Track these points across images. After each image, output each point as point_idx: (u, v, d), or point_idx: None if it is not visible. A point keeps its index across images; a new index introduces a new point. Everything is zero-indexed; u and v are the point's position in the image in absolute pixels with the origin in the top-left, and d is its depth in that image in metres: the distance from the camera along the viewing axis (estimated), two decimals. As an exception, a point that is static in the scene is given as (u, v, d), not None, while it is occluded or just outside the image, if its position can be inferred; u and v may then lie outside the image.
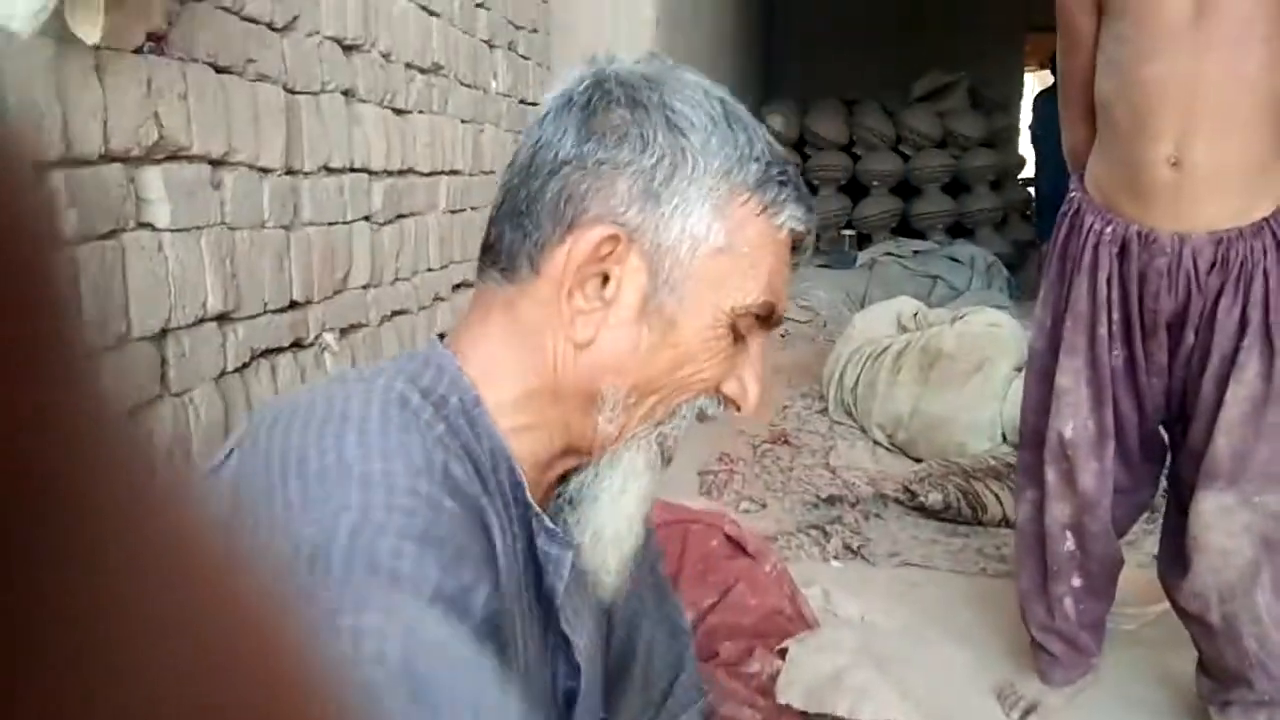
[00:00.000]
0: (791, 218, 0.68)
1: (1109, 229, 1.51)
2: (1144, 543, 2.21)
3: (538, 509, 0.66)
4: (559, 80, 0.69)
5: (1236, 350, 1.45)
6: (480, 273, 0.70)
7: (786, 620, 1.77)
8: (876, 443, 3.07)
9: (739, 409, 0.71)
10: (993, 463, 2.60)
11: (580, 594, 0.74)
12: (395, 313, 1.94)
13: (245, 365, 1.42)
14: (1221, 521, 1.48)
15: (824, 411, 3.35)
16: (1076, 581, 1.66)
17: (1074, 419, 1.57)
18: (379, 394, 0.61)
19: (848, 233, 6.40)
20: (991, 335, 3.02)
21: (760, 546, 1.90)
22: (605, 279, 0.65)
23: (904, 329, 3.29)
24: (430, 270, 2.13)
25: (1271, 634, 1.49)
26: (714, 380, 0.69)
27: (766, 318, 0.69)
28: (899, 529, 2.45)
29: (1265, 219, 1.44)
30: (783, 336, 4.54)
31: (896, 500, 2.57)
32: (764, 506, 2.58)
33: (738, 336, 0.68)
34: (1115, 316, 1.53)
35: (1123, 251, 1.50)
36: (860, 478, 2.77)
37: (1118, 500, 1.63)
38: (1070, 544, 1.64)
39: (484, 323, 0.69)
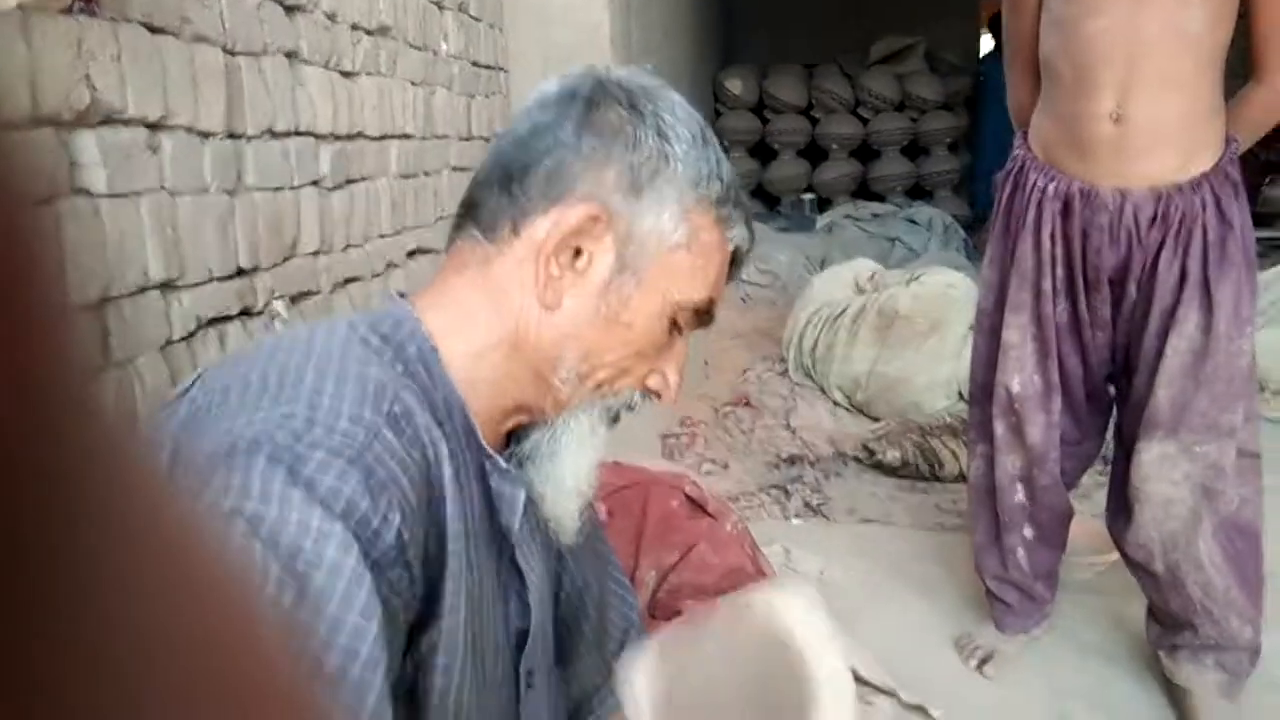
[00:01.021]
0: (739, 235, 0.77)
1: (1052, 185, 1.52)
2: (1097, 495, 2.25)
3: (490, 450, 0.72)
4: (556, 76, 0.77)
5: (1176, 304, 1.48)
6: (458, 229, 0.77)
7: (748, 578, 1.78)
8: (836, 403, 3.09)
9: (660, 398, 0.79)
10: (949, 420, 2.63)
11: (532, 542, 0.77)
12: (347, 280, 1.91)
13: (191, 334, 1.39)
14: (1163, 471, 1.51)
15: (784, 374, 3.37)
16: (1028, 532, 1.69)
17: (1020, 374, 1.59)
18: (341, 333, 0.68)
19: (807, 196, 6.41)
20: (947, 296, 3.05)
21: (720, 506, 1.91)
22: (578, 252, 0.72)
23: (861, 290, 3.30)
24: (383, 236, 2.10)
25: (1214, 580, 1.53)
26: (646, 367, 0.76)
27: (702, 314, 0.77)
28: (858, 487, 2.47)
29: (1204, 174, 1.46)
30: (744, 300, 4.55)
31: (855, 459, 2.60)
32: (725, 468, 2.60)
33: (674, 328, 0.76)
34: (1059, 272, 1.54)
35: (1065, 208, 1.52)
36: (820, 438, 2.79)
37: (1066, 452, 1.66)
38: (1021, 496, 1.67)
39: (457, 276, 0.75)
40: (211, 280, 1.44)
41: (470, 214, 0.75)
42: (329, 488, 0.56)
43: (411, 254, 2.27)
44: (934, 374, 2.88)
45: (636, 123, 0.73)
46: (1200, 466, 1.49)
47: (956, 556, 2.04)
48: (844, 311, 3.19)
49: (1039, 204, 1.53)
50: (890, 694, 1.55)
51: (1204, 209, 1.44)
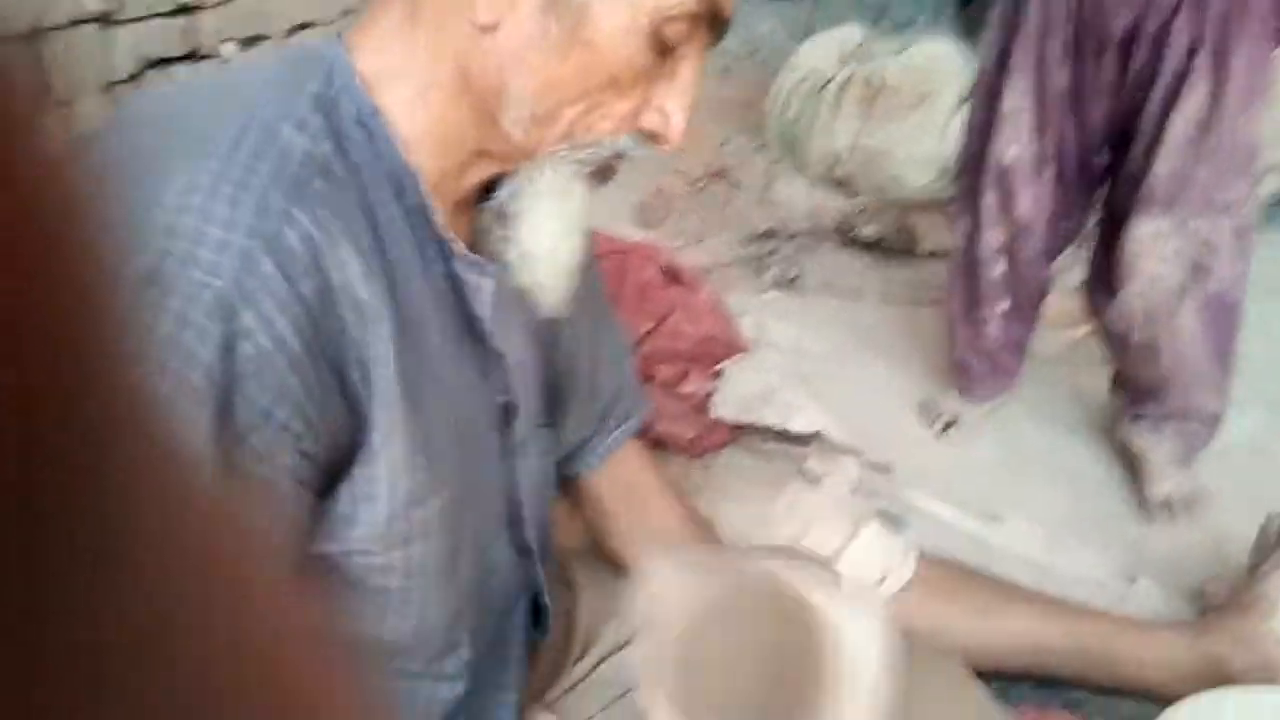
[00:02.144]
0: None
1: (1070, -69, 1.41)
2: (1069, 273, 2.26)
3: (450, 235, 0.63)
4: None
5: (1186, 70, 1.41)
6: None
7: (721, 346, 1.80)
8: (815, 179, 3.03)
9: (661, 143, 0.64)
10: (929, 197, 2.59)
11: (511, 314, 0.72)
12: (302, 25, 1.78)
13: (135, 75, 1.29)
14: (1155, 247, 1.50)
15: (763, 148, 3.27)
16: (1004, 304, 1.70)
17: (1015, 142, 1.54)
18: (240, 116, 0.57)
19: (794, -39, 6.03)
20: (936, 67, 2.92)
21: (696, 277, 1.90)
22: None
23: (847, 60, 3.16)
24: (340, -20, 1.94)
25: (1188, 352, 1.55)
26: (630, 102, 0.62)
27: (700, 23, 0.61)
28: (834, 261, 2.46)
29: (1232, -73, 1.35)
30: (724, 70, 4.36)
31: (833, 233, 2.57)
32: (700, 241, 2.57)
33: (664, 50, 0.61)
34: (1067, 32, 1.46)
35: (1082, -42, 1.41)
36: (797, 213, 2.75)
37: (1050, 225, 1.64)
38: (1001, 268, 1.66)
39: (386, 6, 0.62)
40: (153, 16, 1.32)
41: None
42: (184, 345, 0.53)
43: None
44: (917, 148, 2.81)
45: None
46: (1193, 243, 1.47)
47: (928, 329, 2.06)
48: (829, 82, 3.07)
49: (1054, -47, 1.43)
50: (855, 454, 1.59)
51: None
